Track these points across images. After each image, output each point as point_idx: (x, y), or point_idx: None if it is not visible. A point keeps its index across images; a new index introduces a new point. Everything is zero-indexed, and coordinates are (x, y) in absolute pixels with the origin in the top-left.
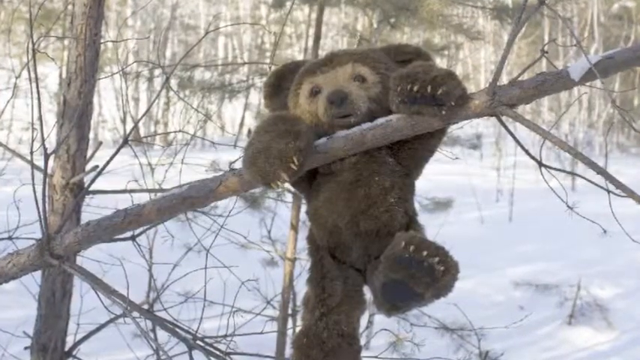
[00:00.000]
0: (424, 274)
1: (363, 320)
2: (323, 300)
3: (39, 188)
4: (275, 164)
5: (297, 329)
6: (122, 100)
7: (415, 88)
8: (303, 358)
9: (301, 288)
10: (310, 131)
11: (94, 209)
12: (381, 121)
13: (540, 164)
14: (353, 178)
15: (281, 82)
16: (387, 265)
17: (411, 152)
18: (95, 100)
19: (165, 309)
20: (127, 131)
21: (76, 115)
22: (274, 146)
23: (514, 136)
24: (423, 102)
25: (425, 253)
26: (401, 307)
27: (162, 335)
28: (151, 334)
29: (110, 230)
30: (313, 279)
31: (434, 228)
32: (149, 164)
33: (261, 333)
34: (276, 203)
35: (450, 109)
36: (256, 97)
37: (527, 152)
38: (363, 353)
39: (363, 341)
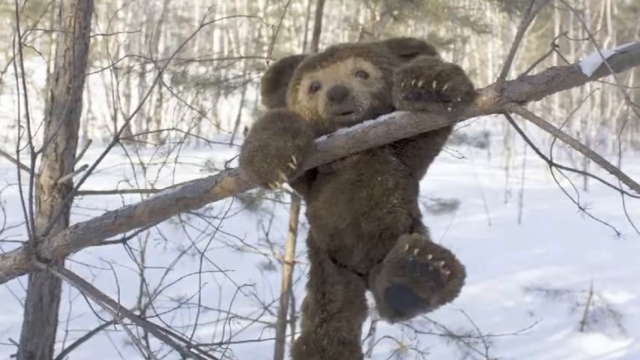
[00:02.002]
0: (429, 279)
1: (365, 327)
2: (323, 306)
3: (25, 189)
4: (273, 163)
5: (296, 336)
6: (113, 97)
7: (420, 84)
8: None
9: (300, 293)
10: (310, 129)
11: (83, 210)
12: (383, 118)
13: (551, 163)
14: (354, 178)
15: (279, 78)
16: (390, 270)
17: (415, 151)
18: (84, 96)
19: (157, 315)
20: (118, 129)
21: (65, 112)
22: (272, 144)
23: (523, 134)
24: (428, 98)
25: (430, 256)
26: (405, 313)
27: (154, 342)
28: (143, 342)
29: (100, 232)
30: (313, 284)
31: (439, 230)
32: (141, 163)
33: (259, 340)
34: (274, 204)
35: (456, 105)
36: (253, 93)
37: (537, 151)
38: None
39: (365, 349)
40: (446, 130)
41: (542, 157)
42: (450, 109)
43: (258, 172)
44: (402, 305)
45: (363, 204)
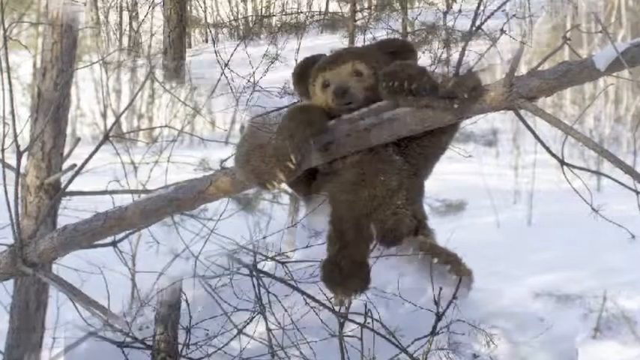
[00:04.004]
0: None
1: None
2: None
3: (11, 189)
4: (271, 163)
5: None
6: (102, 93)
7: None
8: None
9: None
10: (309, 128)
11: (71, 212)
12: (387, 115)
13: (562, 163)
14: (356, 178)
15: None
16: None
17: (420, 150)
18: (73, 92)
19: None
20: (108, 126)
21: (52, 108)
22: (270, 143)
23: (534, 132)
24: (430, 95)
25: (436, 260)
26: None
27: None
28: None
29: (89, 235)
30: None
31: (445, 233)
32: (132, 163)
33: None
34: (272, 206)
35: (463, 102)
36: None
37: (548, 150)
38: None
39: None
40: (452, 127)
41: (554, 156)
42: (456, 105)
43: (256, 172)
44: None
45: (366, 205)
